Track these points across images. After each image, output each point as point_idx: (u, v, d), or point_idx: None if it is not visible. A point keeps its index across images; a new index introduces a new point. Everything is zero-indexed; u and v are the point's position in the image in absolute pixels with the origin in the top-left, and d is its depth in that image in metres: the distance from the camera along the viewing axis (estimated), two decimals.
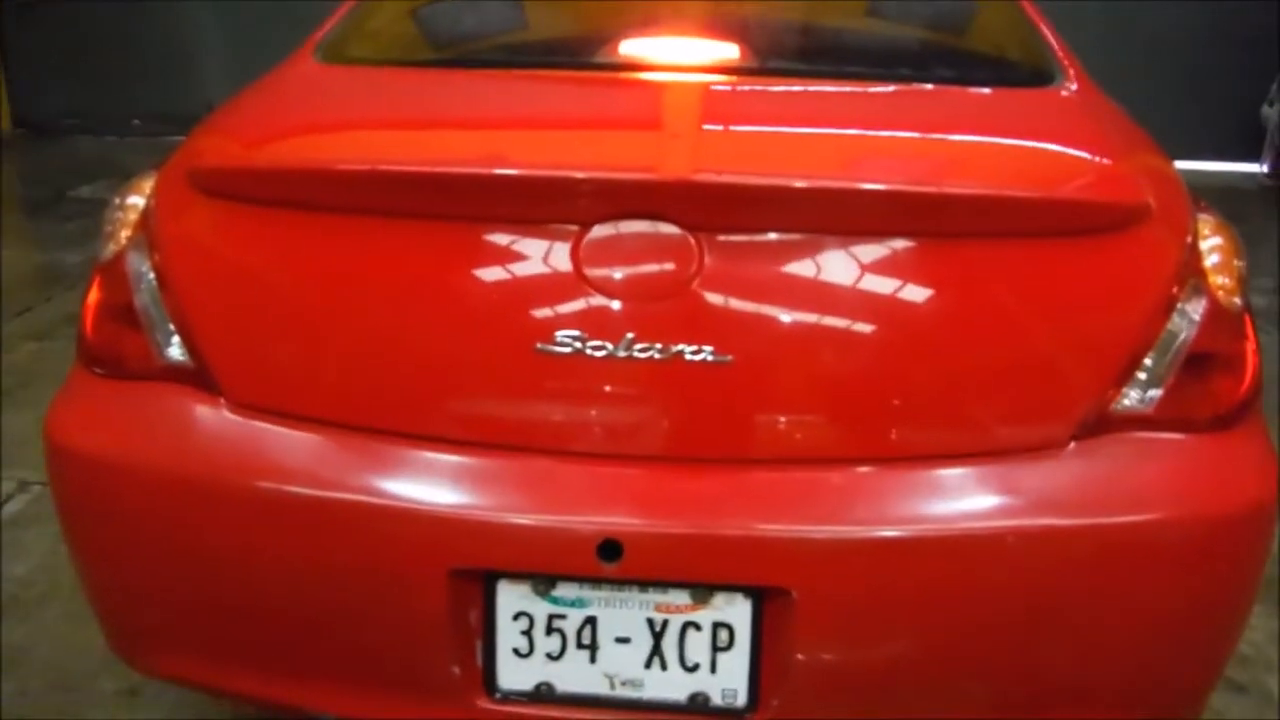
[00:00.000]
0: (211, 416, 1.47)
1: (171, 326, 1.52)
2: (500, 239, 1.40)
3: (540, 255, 1.38)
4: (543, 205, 1.38)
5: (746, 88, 1.83)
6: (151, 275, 1.54)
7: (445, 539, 1.35)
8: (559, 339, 1.35)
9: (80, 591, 2.41)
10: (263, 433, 1.44)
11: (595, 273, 1.36)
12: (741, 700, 1.38)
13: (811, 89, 1.80)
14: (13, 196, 5.46)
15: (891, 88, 1.83)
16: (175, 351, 1.52)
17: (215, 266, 1.51)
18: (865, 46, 2.13)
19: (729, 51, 1.96)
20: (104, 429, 1.51)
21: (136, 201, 1.65)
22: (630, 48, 1.99)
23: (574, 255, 1.36)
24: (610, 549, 1.31)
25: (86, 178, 6.08)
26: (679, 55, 1.93)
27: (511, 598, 1.37)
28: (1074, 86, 1.88)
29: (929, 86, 1.84)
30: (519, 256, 1.39)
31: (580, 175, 1.36)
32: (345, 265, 1.44)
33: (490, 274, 1.40)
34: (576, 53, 2.04)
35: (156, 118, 6.97)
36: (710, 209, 1.36)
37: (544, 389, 1.38)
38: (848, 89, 1.81)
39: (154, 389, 1.52)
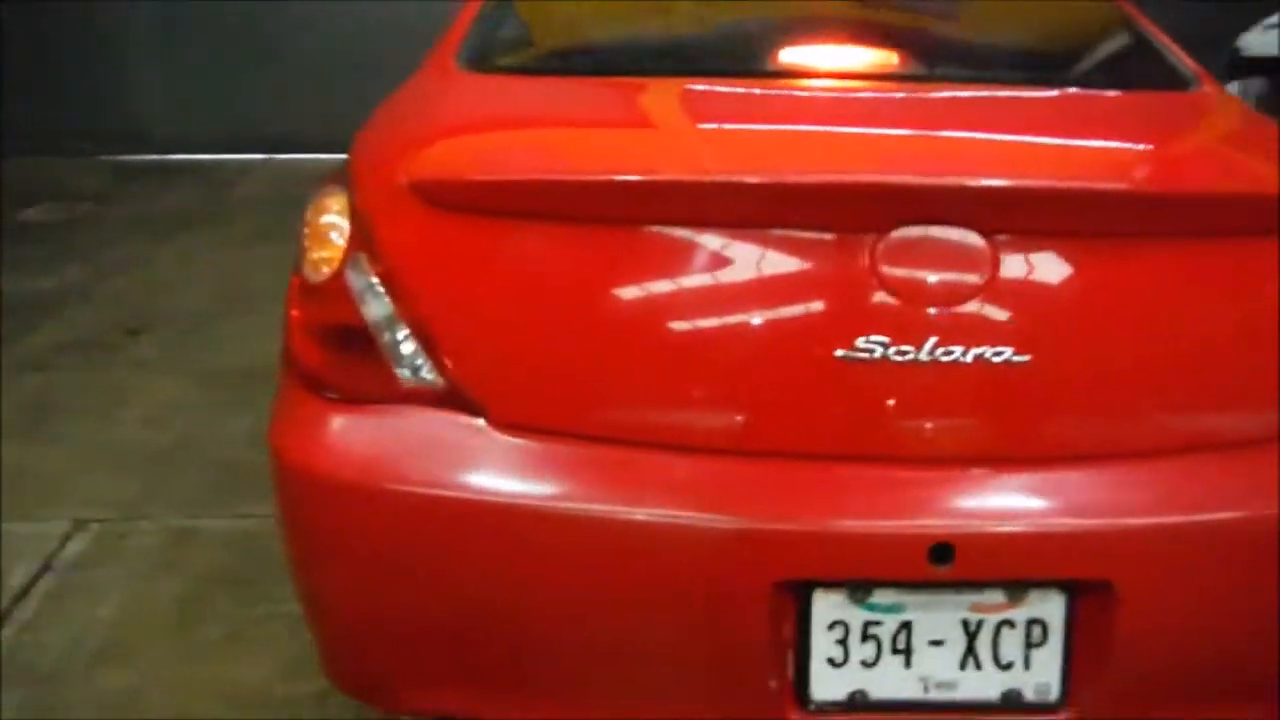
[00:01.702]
0: (484, 439, 1.41)
1: (414, 346, 1.46)
2: (794, 246, 1.39)
3: (838, 262, 1.37)
4: (839, 211, 1.37)
5: (976, 94, 1.87)
6: (384, 295, 1.48)
7: (771, 552, 1.33)
8: (861, 345, 1.35)
9: (184, 630, 2.30)
10: (548, 453, 1.40)
11: (895, 277, 1.36)
12: (1054, 695, 1.39)
13: (1026, 95, 1.87)
14: None
15: (1072, 91, 1.90)
16: (423, 372, 1.46)
17: (466, 283, 1.45)
18: (1044, 52, 2.19)
19: (929, 59, 2.01)
20: (363, 457, 1.44)
21: (335, 220, 1.58)
22: (825, 57, 2.02)
23: (872, 261, 1.36)
24: (942, 552, 1.31)
25: (28, 200, 5.74)
26: (879, 62, 1.97)
27: (826, 607, 1.36)
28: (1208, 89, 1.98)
29: (1114, 92, 1.91)
30: (815, 263, 1.39)
31: (880, 180, 1.37)
32: (622, 276, 1.41)
33: (786, 282, 1.39)
34: (792, 60, 2.04)
35: (89, 136, 6.64)
36: (1005, 213, 1.38)
37: (852, 396, 1.37)
38: (1049, 94, 1.88)
39: (409, 413, 1.45)
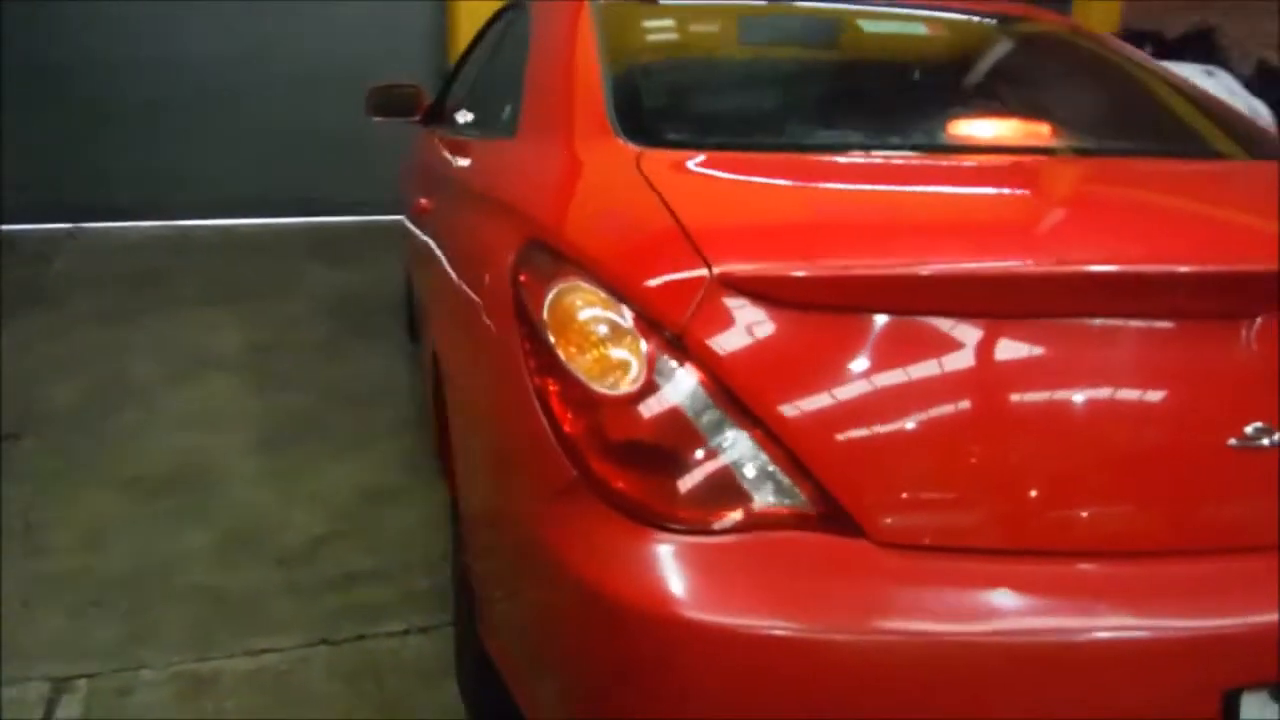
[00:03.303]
0: (874, 562, 1.26)
1: (763, 459, 1.29)
2: (1173, 334, 1.35)
3: (1219, 347, 1.35)
4: (1217, 297, 1.36)
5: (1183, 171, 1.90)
6: (714, 403, 1.30)
7: (1223, 658, 1.25)
8: (1250, 433, 1.31)
9: None
10: (952, 572, 1.26)
11: (1274, 359, 1.33)
12: None
13: (1203, 170, 1.90)
14: None
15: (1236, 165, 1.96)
16: (781, 490, 1.29)
17: (817, 385, 1.30)
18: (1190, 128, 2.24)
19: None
20: (744, 599, 1.25)
21: (598, 314, 1.38)
22: (981, 129, 1.99)
23: (1251, 344, 1.34)
24: None
25: None
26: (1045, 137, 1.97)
27: (1254, 707, 1.28)
28: None
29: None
30: (1192, 350, 1.35)
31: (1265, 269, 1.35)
32: (993, 371, 1.32)
33: (1170, 371, 1.35)
34: (985, 134, 1.98)
35: None
36: None
37: (1249, 484, 1.33)
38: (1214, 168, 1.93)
39: (773, 539, 1.29)
